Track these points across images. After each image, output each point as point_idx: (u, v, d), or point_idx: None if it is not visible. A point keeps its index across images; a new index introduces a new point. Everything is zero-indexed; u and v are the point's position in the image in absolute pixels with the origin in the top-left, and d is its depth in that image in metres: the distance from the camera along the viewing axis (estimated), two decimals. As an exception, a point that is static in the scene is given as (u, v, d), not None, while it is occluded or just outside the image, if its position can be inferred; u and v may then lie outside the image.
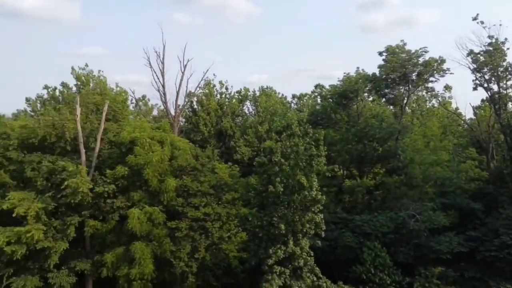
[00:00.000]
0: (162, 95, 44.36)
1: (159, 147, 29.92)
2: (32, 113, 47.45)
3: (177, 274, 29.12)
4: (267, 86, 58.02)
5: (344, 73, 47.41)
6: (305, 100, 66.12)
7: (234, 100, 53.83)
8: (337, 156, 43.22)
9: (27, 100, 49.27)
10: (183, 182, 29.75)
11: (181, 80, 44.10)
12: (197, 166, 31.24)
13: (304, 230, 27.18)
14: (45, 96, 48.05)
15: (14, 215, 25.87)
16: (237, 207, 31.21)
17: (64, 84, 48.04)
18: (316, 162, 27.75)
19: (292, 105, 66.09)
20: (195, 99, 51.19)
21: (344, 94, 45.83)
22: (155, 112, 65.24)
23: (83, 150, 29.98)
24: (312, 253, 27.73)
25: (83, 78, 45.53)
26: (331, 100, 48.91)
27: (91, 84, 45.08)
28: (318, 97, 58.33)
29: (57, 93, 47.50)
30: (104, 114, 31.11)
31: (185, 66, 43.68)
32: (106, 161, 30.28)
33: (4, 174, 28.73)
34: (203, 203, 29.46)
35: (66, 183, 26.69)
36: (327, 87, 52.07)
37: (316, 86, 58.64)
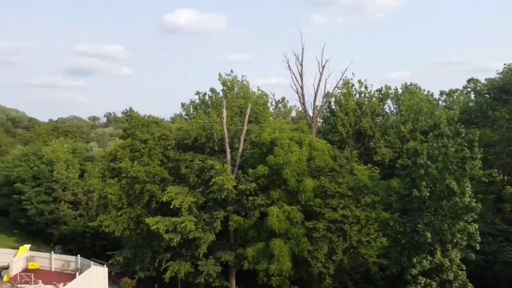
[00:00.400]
0: (301, 96, 45.21)
1: (297, 147, 30.39)
2: (186, 117, 53.04)
3: (315, 274, 29.19)
4: (410, 83, 54.10)
5: (505, 64, 41.71)
6: (455, 97, 59.91)
7: (374, 99, 51.50)
8: (495, 159, 38.07)
9: (182, 105, 55.26)
10: (321, 183, 29.71)
11: (319, 81, 44.34)
12: (335, 167, 30.87)
13: (455, 241, 24.48)
14: (197, 101, 53.16)
15: (171, 206, 29.20)
16: (377, 211, 29.83)
17: (212, 90, 52.51)
18: (469, 165, 24.75)
19: (440, 102, 60.50)
20: (333, 99, 50.60)
21: (505, 89, 40.23)
22: (293, 114, 66.75)
23: (228, 150, 32.28)
24: (464, 267, 24.83)
25: (228, 83, 49.10)
26: (487, 96, 43.43)
27: (235, 89, 48.35)
28: (472, 92, 52.42)
29: (207, 98, 52.11)
30: (247, 116, 32.99)
31: (323, 67, 43.79)
32: (248, 160, 32.01)
33: (164, 170, 32.63)
34: (341, 205, 28.97)
35: (213, 180, 29.10)
36: (483, 81, 46.39)
37: (469, 81, 52.75)
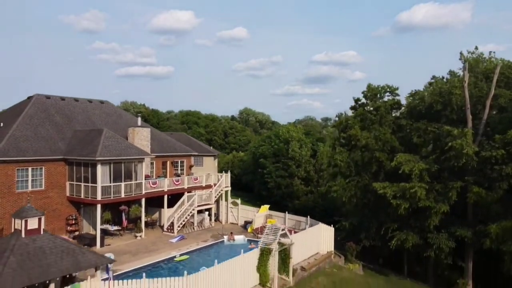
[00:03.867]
0: None
1: None
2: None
3: None
4: None
5: None
6: None
7: None
8: None
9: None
10: None
11: None
12: None
13: None
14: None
15: (400, 171, 27.84)
16: None
17: (451, 72, 47.47)
18: None
19: None
20: None
21: None
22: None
23: (469, 117, 28.62)
24: None
25: (471, 61, 43.33)
26: None
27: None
28: None
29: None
30: (495, 77, 28.48)
31: None
32: (495, 128, 27.61)
33: (394, 138, 31.48)
34: None
35: (450, 144, 26.23)
36: None
37: None
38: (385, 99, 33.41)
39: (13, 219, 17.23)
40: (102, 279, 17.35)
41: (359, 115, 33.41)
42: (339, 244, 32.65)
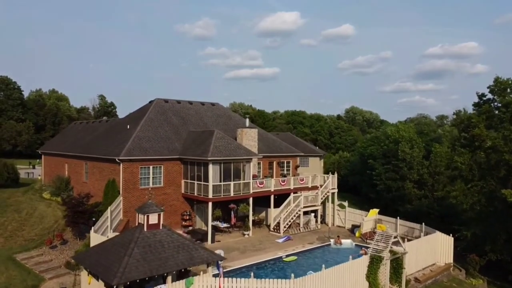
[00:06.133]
0: None
1: None
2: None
3: None
4: None
5: None
6: None
7: None
8: None
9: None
10: None
11: None
12: None
13: None
14: None
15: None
16: None
17: None
18: None
19: None
20: None
21: None
22: None
23: None
24: None
25: None
26: None
27: None
28: None
29: None
30: None
31: None
32: None
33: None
34: None
35: None
36: None
37: None
38: (518, 94, 29.26)
39: (137, 214, 18.77)
40: (213, 275, 17.99)
41: (484, 112, 29.77)
42: (459, 256, 29.59)
